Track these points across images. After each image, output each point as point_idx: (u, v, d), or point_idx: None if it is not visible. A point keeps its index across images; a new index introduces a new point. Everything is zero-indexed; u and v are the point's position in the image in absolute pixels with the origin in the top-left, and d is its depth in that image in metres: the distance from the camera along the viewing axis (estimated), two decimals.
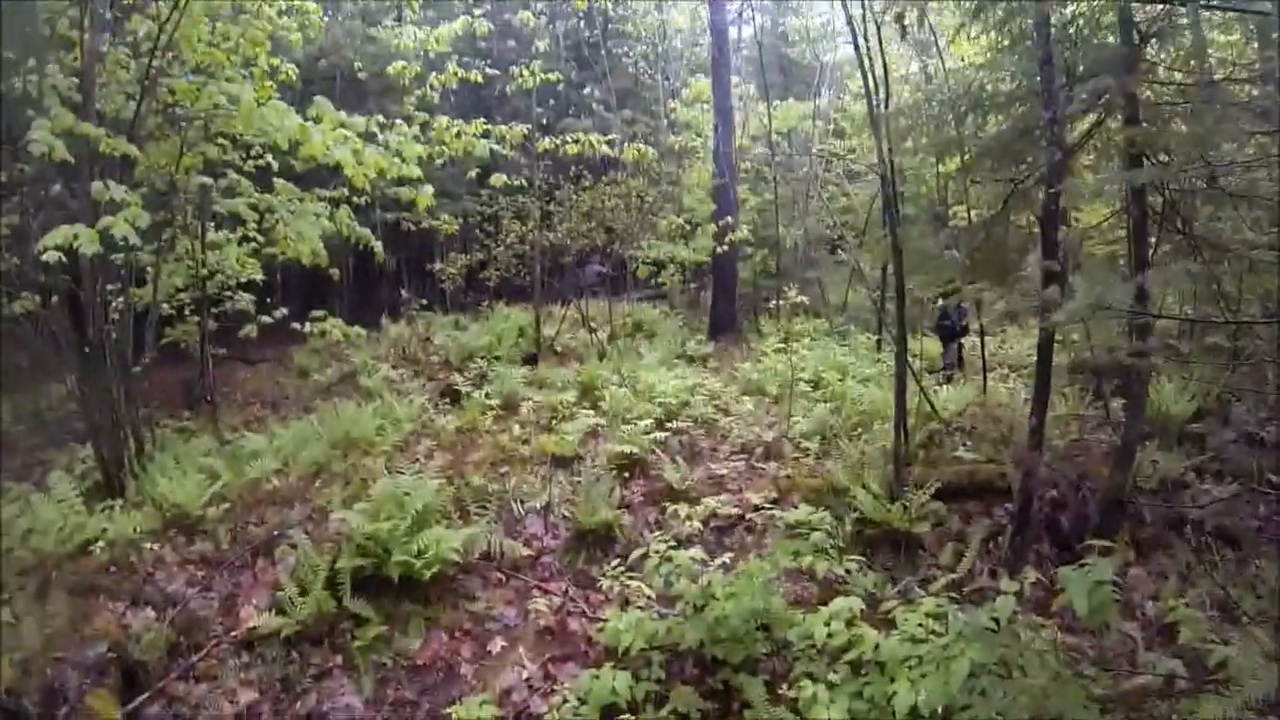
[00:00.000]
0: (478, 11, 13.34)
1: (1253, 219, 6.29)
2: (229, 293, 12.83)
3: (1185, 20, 6.18)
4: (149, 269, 10.66)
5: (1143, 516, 6.68)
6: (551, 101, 22.37)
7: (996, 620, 4.52)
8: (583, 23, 25.08)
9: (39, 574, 6.34)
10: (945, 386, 10.65)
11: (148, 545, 7.01)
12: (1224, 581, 5.78)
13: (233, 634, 6.00)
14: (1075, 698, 3.92)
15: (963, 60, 11.92)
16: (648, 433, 8.94)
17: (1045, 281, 5.20)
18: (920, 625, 4.89)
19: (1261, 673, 3.25)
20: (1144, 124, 5.83)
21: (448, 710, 5.33)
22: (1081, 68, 6.22)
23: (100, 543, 6.89)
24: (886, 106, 8.34)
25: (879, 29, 8.72)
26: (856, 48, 8.37)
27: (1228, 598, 5.45)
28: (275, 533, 7.16)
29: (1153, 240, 6.49)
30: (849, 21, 8.55)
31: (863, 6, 8.87)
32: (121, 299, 9.92)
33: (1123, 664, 5.10)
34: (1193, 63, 6.44)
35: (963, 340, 12.23)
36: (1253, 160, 5.32)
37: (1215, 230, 6.16)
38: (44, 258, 6.29)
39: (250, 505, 7.90)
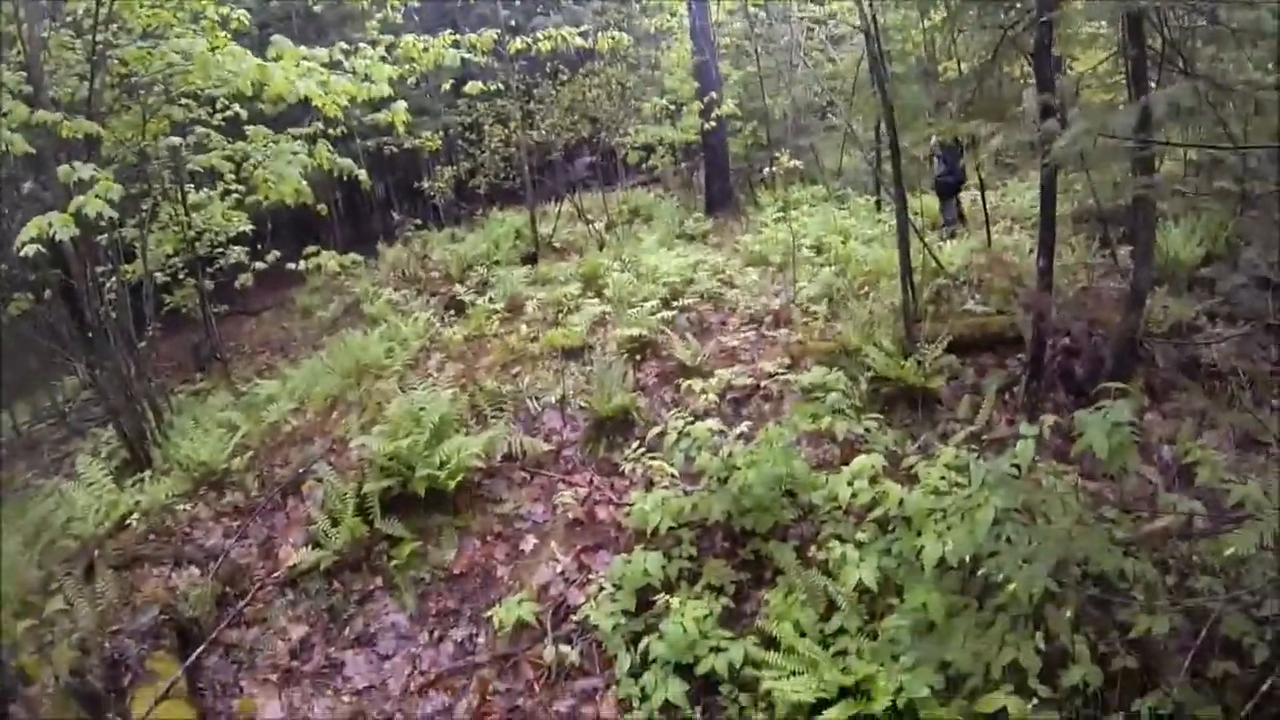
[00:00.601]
0: None
1: (1257, 58, 6.13)
2: (220, 249, 12.76)
3: None
4: (135, 243, 10.60)
5: (1156, 360, 6.64)
6: (518, 3, 21.85)
7: (1018, 466, 4.54)
8: None
9: (83, 557, 6.46)
10: (949, 241, 10.53)
11: (181, 507, 7.15)
12: (1240, 421, 5.76)
13: (274, 575, 6.17)
14: (1098, 541, 3.96)
15: None
16: (655, 313, 8.92)
17: (1043, 115, 5.06)
18: (942, 478, 4.95)
19: (1270, 515, 3.23)
20: None
21: (488, 613, 5.45)
22: None
23: (135, 515, 7.01)
24: None
25: None
26: None
27: (1250, 428, 5.41)
28: (300, 470, 7.26)
29: (1153, 84, 6.31)
30: None
31: None
32: (114, 277, 9.92)
33: (1143, 507, 5.13)
34: None
35: (961, 195, 12.02)
36: None
37: (1218, 69, 5.98)
38: (24, 252, 6.20)
39: (272, 449, 8.02)
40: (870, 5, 7.80)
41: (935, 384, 6.73)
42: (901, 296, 7.39)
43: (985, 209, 10.81)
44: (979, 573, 4.27)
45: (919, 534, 4.60)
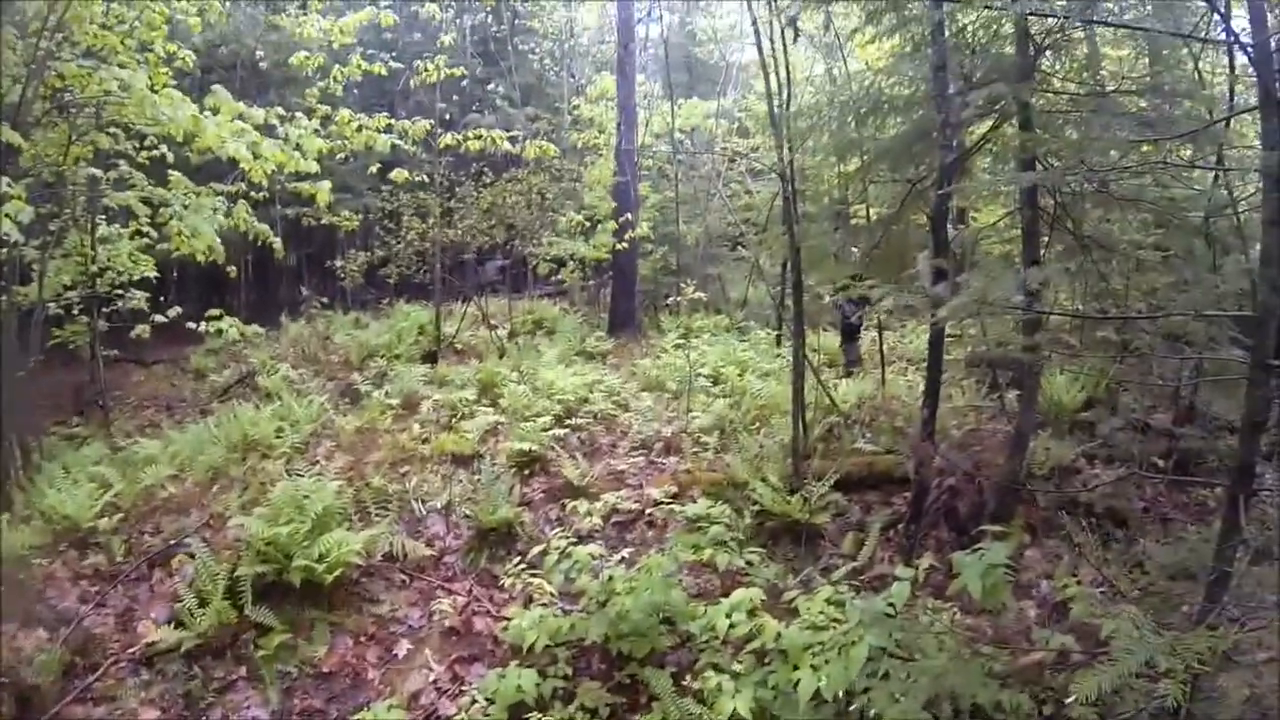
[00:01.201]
0: (384, 3, 13.21)
1: (1140, 220, 6.65)
2: (120, 290, 12.43)
3: (1080, 34, 6.41)
4: (34, 265, 10.31)
5: (1036, 501, 6.95)
6: (456, 97, 22.24)
7: (893, 605, 4.70)
8: (490, 18, 24.96)
9: None
10: (845, 380, 10.90)
11: (37, 561, 6.76)
12: (1113, 558, 6.06)
13: (130, 651, 5.81)
14: (974, 675, 4.06)
15: (866, 64, 12.17)
16: (547, 429, 9.00)
17: (934, 278, 5.39)
18: (821, 613, 5.03)
19: (1139, 645, 3.45)
20: (1038, 130, 6.06)
21: (356, 717, 5.31)
22: (979, 74, 6.43)
23: None
24: (789, 107, 8.47)
25: (784, 32, 8.87)
26: (760, 48, 8.51)
27: (1106, 579, 5.70)
28: (172, 542, 6.97)
29: (1045, 239, 6.75)
30: (754, 23, 8.71)
31: (769, 9, 9.01)
32: (4, 297, 9.55)
33: (1020, 641, 5.27)
34: (1085, 74, 6.70)
35: (862, 335, 12.46)
36: (1139, 166, 5.59)
37: (1104, 231, 6.42)
38: None
39: (145, 514, 7.68)
40: (789, 148, 8.20)
41: (820, 519, 6.89)
42: (792, 434, 7.59)
43: (882, 351, 11.24)
44: (853, 707, 4.33)
45: (795, 667, 4.65)
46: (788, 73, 8.42)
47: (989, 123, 6.71)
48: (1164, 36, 6.15)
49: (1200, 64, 8.20)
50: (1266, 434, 6.59)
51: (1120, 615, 4.30)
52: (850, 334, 12.22)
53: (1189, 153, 6.01)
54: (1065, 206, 6.46)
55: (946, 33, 6.36)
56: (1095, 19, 5.67)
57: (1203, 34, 6.23)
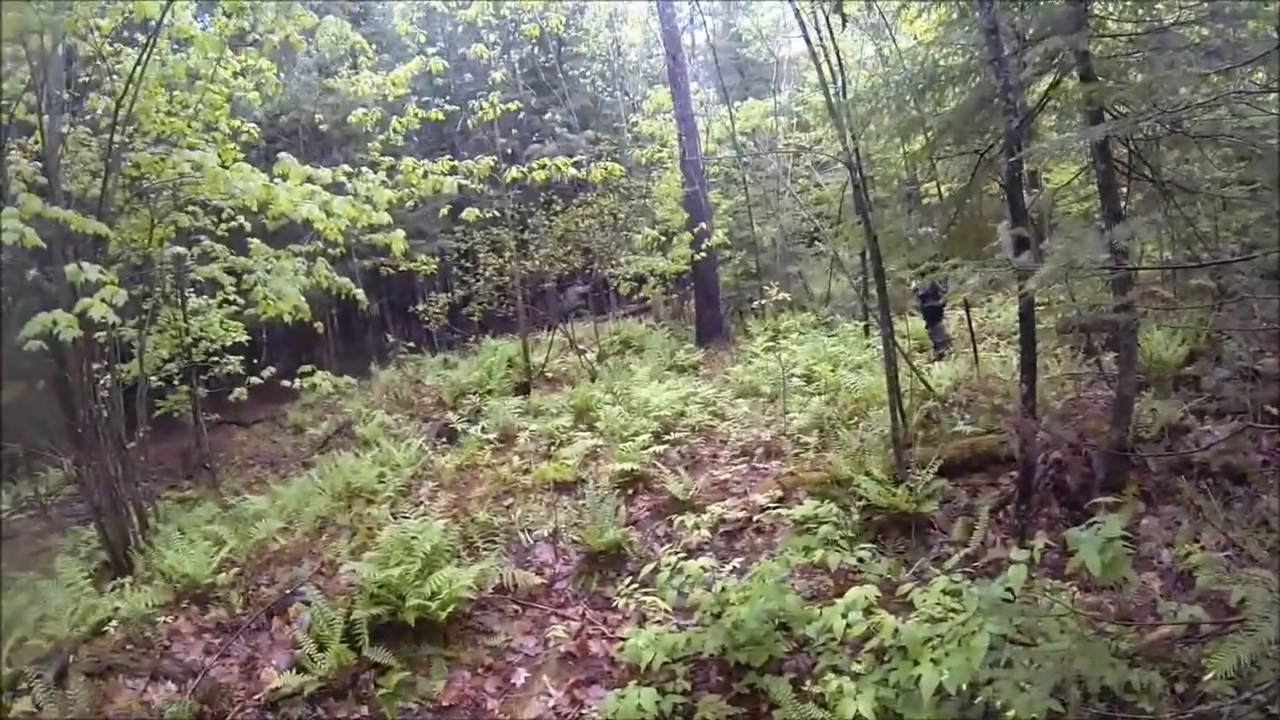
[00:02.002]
0: (431, 50, 13.39)
1: (1220, 156, 6.34)
2: (215, 357, 12.80)
3: None
4: (133, 343, 10.65)
5: (1148, 466, 6.64)
6: (514, 130, 22.49)
7: (1010, 590, 4.54)
8: (537, 49, 25.20)
9: (56, 660, 6.21)
10: (937, 364, 10.68)
11: (161, 619, 6.92)
12: (1236, 519, 5.79)
13: (255, 697, 5.92)
14: (1099, 656, 3.91)
15: (915, 39, 11.98)
16: (646, 447, 9.00)
17: (1017, 249, 5.23)
18: (938, 604, 4.90)
19: (1274, 610, 3.26)
20: (1099, 79, 5.87)
21: None
22: (1031, 30, 6.24)
23: (114, 621, 6.78)
24: (845, 95, 8.36)
25: (828, 19, 8.75)
26: (808, 40, 8.40)
27: (1230, 541, 5.45)
28: (287, 591, 7.11)
29: (1124, 190, 6.53)
30: (797, 15, 8.60)
31: None
32: (109, 375, 9.86)
33: (1145, 616, 5.07)
34: (1140, 11, 6.47)
35: (948, 315, 12.23)
36: (1210, 100, 5.37)
37: (1183, 173, 6.19)
38: (26, 347, 6.26)
39: (259, 566, 7.87)
40: (852, 135, 8.07)
41: (928, 508, 6.73)
42: (891, 424, 7.46)
43: (971, 329, 10.98)
44: (978, 699, 4.22)
45: (916, 663, 4.54)
46: (839, 60, 8.27)
47: (1049, 79, 6.52)
48: None
49: None
50: None
51: (1251, 580, 4.10)
52: (934, 315, 11.97)
53: (1261, 76, 5.73)
54: (1140, 154, 6.28)
55: None
56: None
57: None
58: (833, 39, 8.36)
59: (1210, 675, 3.35)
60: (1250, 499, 6.14)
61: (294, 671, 6.01)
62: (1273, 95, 5.46)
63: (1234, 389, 7.42)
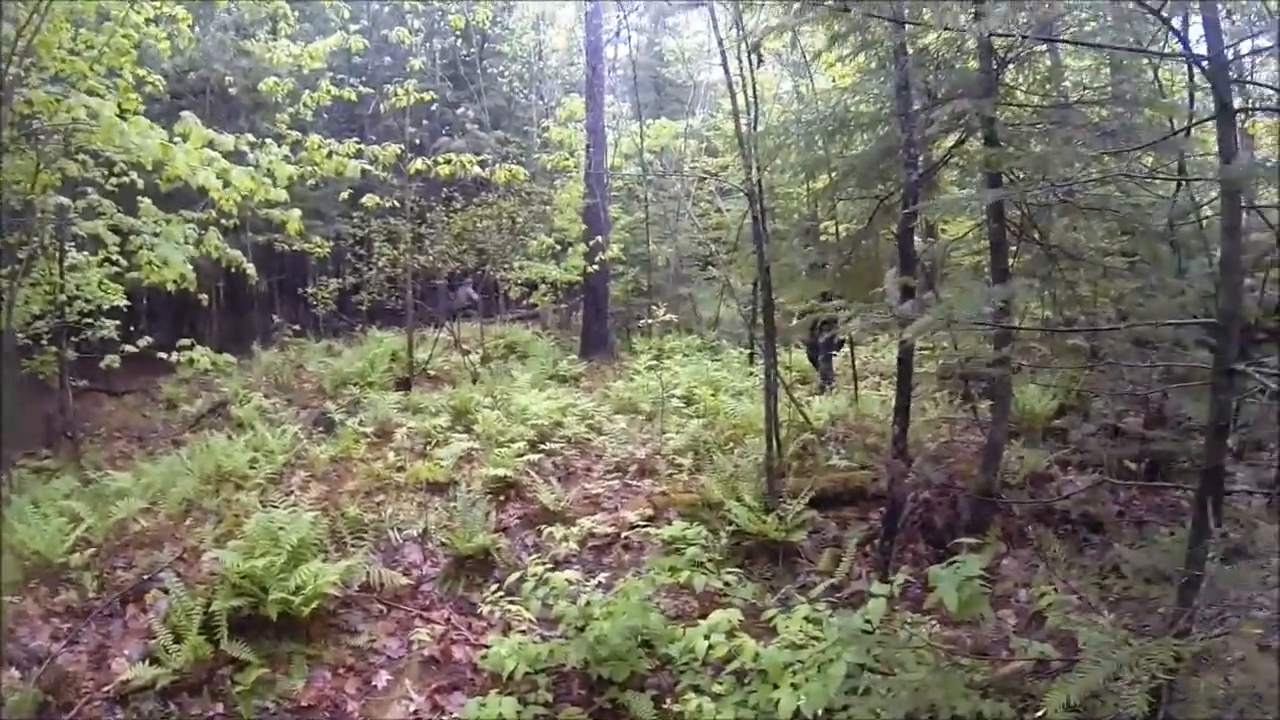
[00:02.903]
0: (354, 28, 13.23)
1: (1106, 228, 6.77)
2: (90, 319, 12.25)
3: (1042, 48, 6.53)
4: (2, 294, 10.24)
5: (1012, 511, 7.00)
6: (425, 121, 22.26)
7: (870, 621, 4.74)
8: (459, 41, 25.03)
9: None
10: (818, 397, 10.98)
11: (7, 599, 6.58)
12: (1089, 564, 6.15)
13: (105, 689, 5.69)
14: (954, 686, 4.07)
15: (833, 81, 12.29)
16: (521, 455, 9.02)
17: (902, 297, 5.46)
18: (800, 631, 5.07)
19: (1108, 652, 3.50)
20: (1002, 144, 6.17)
21: None
22: (943, 90, 6.53)
23: None
24: (756, 127, 8.54)
25: (749, 52, 8.95)
26: (726, 69, 8.55)
27: (1072, 589, 5.75)
28: (145, 577, 6.85)
29: (1013, 250, 6.85)
30: (720, 44, 8.77)
31: (736, 31, 9.07)
32: None
33: (999, 650, 5.33)
34: (1049, 86, 6.82)
35: (834, 353, 12.51)
36: (1102, 177, 5.70)
37: (1070, 240, 6.50)
38: None
39: (117, 548, 7.54)
40: (757, 167, 8.27)
41: (797, 538, 6.92)
42: (766, 453, 7.62)
43: (854, 367, 11.31)
44: None
45: (775, 687, 4.67)
46: (754, 92, 8.47)
47: (954, 137, 6.82)
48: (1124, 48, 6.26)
49: (1161, 73, 8.34)
50: (1235, 435, 6.73)
51: (1094, 623, 4.36)
52: (822, 350, 12.25)
53: (1151, 160, 6.12)
54: (1031, 218, 6.56)
55: (910, 51, 6.47)
56: (1056, 37, 5.73)
57: (1161, 48, 6.34)
58: (752, 71, 8.54)
59: (1042, 712, 3.57)
60: (1104, 546, 6.53)
61: (147, 663, 5.77)
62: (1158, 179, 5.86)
63: (1097, 444, 7.89)
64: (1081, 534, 6.75)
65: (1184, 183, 6.95)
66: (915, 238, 6.91)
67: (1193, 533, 4.01)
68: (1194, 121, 5.84)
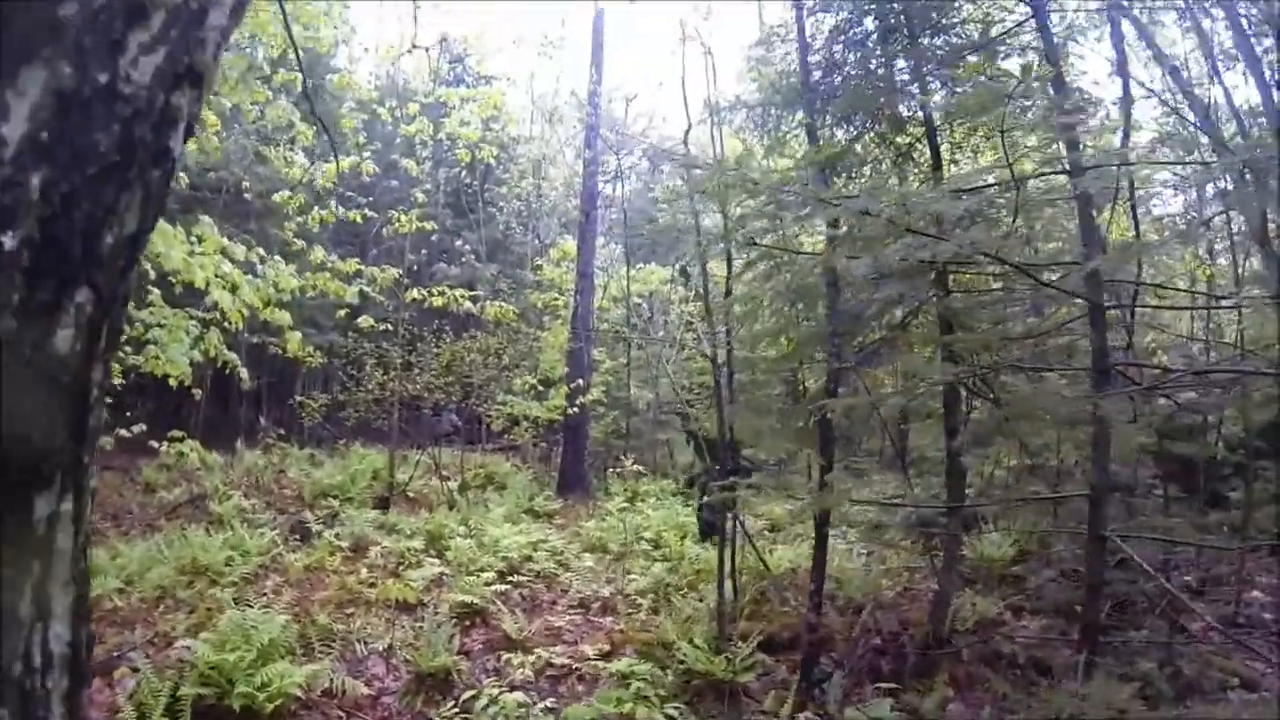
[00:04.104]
0: (367, 152, 13.88)
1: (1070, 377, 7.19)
2: None
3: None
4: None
5: (961, 656, 7.19)
6: (424, 250, 22.95)
7: None
8: (465, 173, 25.89)
9: None
10: (780, 546, 11.29)
11: None
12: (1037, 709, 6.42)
13: None
14: None
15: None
16: (490, 584, 9.26)
17: (822, 472, 5.95)
18: None
19: None
20: (954, 329, 6.73)
21: None
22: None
23: None
24: (729, 294, 9.06)
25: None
26: (699, 243, 9.05)
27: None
28: (115, 654, 7.03)
29: (965, 409, 7.36)
30: (698, 239, 9.26)
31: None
32: None
33: None
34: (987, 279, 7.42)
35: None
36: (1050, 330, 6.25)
37: (1020, 397, 6.84)
38: None
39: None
40: (726, 331, 8.85)
41: (745, 678, 7.09)
42: (718, 598, 7.88)
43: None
44: None
45: None
46: (729, 267, 8.87)
47: (902, 312, 7.38)
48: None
49: None
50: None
51: None
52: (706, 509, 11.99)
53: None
54: (983, 379, 7.05)
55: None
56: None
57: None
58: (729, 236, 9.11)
59: None
60: (1052, 687, 6.81)
61: None
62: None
63: (1054, 589, 8.19)
64: (1031, 677, 6.89)
65: None
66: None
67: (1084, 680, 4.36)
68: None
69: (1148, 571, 5.97)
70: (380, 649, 7.84)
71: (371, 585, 9.39)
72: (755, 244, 6.99)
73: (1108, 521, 4.28)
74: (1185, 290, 10.26)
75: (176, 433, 11.13)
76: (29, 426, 1.22)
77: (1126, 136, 9.36)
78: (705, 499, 11.71)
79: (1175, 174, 10.33)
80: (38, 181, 1.17)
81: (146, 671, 6.38)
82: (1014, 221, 5.51)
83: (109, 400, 9.68)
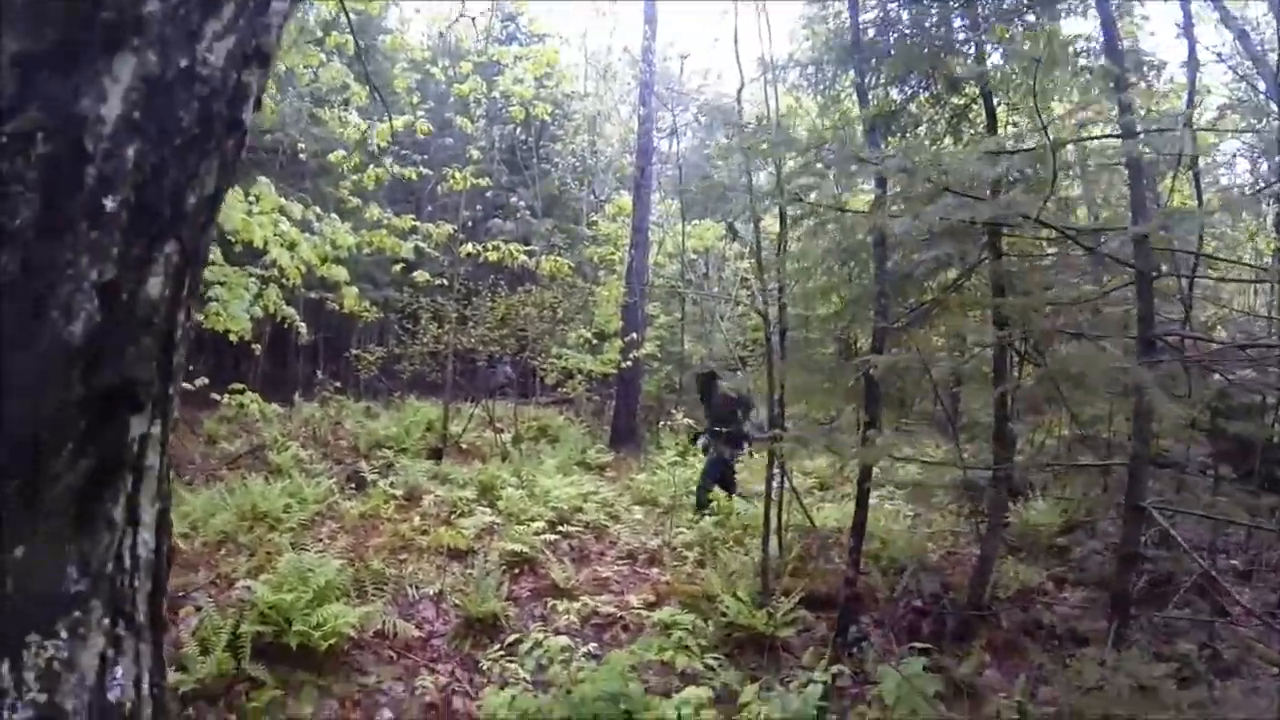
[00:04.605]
0: (421, 110, 13.97)
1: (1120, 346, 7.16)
2: None
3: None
4: None
5: (1000, 623, 7.28)
6: (479, 207, 23.09)
7: (824, 705, 5.18)
8: (519, 129, 25.97)
9: None
10: (829, 504, 11.32)
11: None
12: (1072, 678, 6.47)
13: None
14: None
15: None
16: (540, 534, 9.37)
17: (865, 428, 5.98)
18: (763, 714, 5.53)
19: None
20: (1005, 293, 6.72)
21: None
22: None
23: None
24: (781, 251, 9.08)
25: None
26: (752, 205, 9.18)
27: (1047, 701, 6.08)
28: (180, 594, 7.33)
29: (1015, 374, 7.32)
30: (750, 195, 9.32)
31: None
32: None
33: None
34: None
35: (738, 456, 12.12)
36: (1099, 297, 6.23)
37: (1062, 360, 6.79)
38: None
39: None
40: (778, 286, 8.88)
41: (785, 634, 7.23)
42: (762, 553, 8.02)
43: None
44: None
45: None
46: (783, 221, 8.90)
47: (954, 272, 7.35)
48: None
49: None
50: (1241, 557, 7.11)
51: None
52: (725, 474, 11.76)
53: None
54: (1035, 345, 7.05)
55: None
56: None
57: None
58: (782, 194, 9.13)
59: None
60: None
61: (174, 669, 6.15)
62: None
63: (1098, 561, 8.20)
64: (1069, 649, 6.89)
65: None
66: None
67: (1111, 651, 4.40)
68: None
69: (1190, 550, 5.96)
70: (431, 594, 8.05)
71: (424, 533, 9.61)
72: (800, 200, 6.97)
73: (1146, 493, 4.28)
74: (1249, 264, 10.00)
75: (236, 386, 11.45)
76: (129, 359, 1.43)
77: (1191, 101, 9.18)
78: (711, 455, 11.55)
79: (1245, 142, 10.08)
80: (132, 153, 1.38)
81: (209, 610, 6.69)
82: (1051, 184, 5.45)
83: None
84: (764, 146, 7.06)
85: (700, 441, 12.20)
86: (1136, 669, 4.59)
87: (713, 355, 21.20)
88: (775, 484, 8.48)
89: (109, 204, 1.35)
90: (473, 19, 13.16)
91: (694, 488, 11.52)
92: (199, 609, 6.82)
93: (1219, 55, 10.66)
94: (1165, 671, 4.91)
